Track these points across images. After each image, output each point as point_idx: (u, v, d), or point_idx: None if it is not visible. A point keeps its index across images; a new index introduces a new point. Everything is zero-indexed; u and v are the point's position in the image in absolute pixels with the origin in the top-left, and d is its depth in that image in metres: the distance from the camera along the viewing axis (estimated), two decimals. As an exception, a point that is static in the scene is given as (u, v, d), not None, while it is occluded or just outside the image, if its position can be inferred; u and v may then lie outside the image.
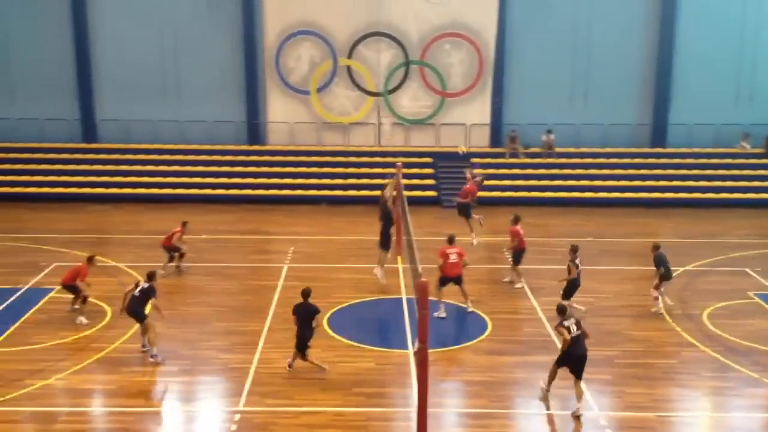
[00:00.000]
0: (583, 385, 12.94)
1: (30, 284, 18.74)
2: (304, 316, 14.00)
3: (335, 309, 17.35)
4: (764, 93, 30.25)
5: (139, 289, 14.88)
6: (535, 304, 17.84)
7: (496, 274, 20.15)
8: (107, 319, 16.62)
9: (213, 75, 30.42)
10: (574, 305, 16.57)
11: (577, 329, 12.86)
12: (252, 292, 18.74)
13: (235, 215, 26.27)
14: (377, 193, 27.31)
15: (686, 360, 15.04)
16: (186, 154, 29.99)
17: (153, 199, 27.63)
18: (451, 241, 17.24)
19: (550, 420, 12.94)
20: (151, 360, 14.56)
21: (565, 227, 25.13)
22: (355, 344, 15.49)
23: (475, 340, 15.82)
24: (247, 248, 22.77)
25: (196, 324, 16.65)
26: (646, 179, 29.06)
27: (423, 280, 11.20)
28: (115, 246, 22.63)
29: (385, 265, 19.26)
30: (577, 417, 12.71)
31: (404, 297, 18.14)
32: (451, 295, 17.37)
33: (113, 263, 20.01)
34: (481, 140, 30.81)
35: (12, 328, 16.11)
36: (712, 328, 16.59)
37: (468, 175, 22.92)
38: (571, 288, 16.88)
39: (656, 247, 17.54)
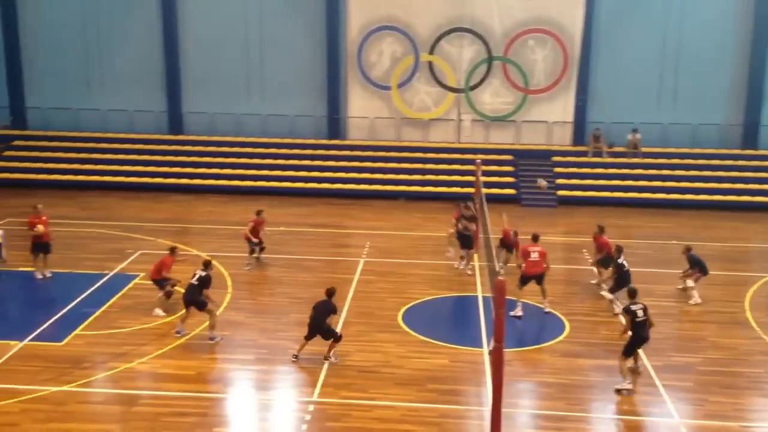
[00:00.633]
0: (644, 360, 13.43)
1: (116, 270, 19.38)
2: (322, 311, 14.25)
3: (410, 305, 17.34)
4: None
5: (196, 277, 15.22)
6: (606, 293, 17.47)
7: (575, 274, 19.80)
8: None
9: (295, 70, 30.84)
10: (616, 302, 16.78)
11: (644, 315, 13.31)
12: (328, 284, 18.54)
13: (313, 209, 26.60)
14: (455, 189, 27.55)
15: (774, 370, 14.46)
16: (267, 147, 30.52)
17: (235, 191, 28.21)
18: (535, 239, 17.12)
19: (630, 425, 12.64)
20: (210, 341, 15.04)
21: (648, 230, 24.44)
22: (429, 340, 15.44)
23: (552, 342, 15.60)
24: (325, 241, 23.02)
25: (274, 314, 16.93)
26: (736, 182, 27.98)
27: (500, 278, 11.03)
28: (197, 236, 23.21)
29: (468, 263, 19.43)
30: (618, 391, 13.25)
31: (480, 295, 18.02)
32: (529, 295, 17.15)
33: (195, 252, 20.47)
34: (563, 139, 30.27)
35: (98, 312, 16.62)
36: (802, 337, 15.88)
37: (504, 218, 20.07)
38: (619, 284, 16.69)
39: (688, 249, 18.08)
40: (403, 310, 16.99)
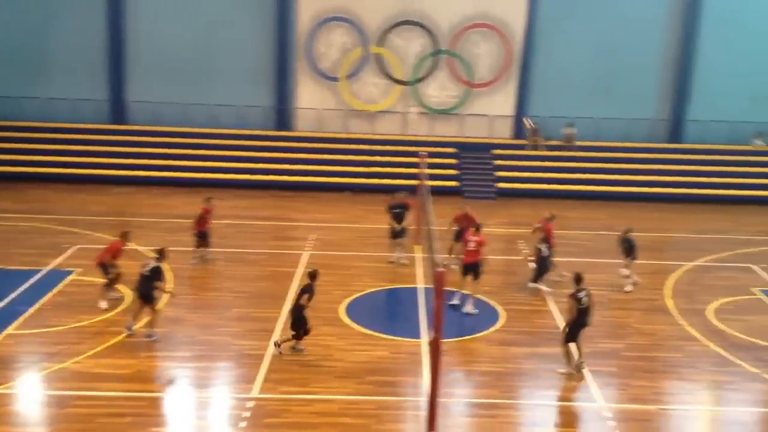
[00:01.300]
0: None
1: (51, 266, 18.82)
2: (298, 293, 14.36)
3: (352, 297, 17.66)
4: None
5: (148, 268, 14.79)
6: (530, 283, 18.20)
7: (512, 265, 20.42)
8: (126, 302, 16.65)
9: (244, 59, 30.76)
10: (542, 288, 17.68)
11: (588, 301, 13.74)
12: (271, 278, 19.01)
13: (259, 201, 26.63)
14: (401, 182, 27.92)
15: (690, 354, 15.31)
16: (214, 138, 30.42)
17: (179, 183, 28.05)
18: (477, 229, 17.41)
19: (558, 410, 13.27)
20: (148, 339, 14.79)
21: (581, 221, 25.30)
22: (370, 333, 15.76)
23: (487, 331, 16.10)
24: (270, 234, 23.15)
25: (214, 309, 16.93)
26: (663, 174, 29.14)
27: (440, 270, 11.31)
28: (140, 229, 22.68)
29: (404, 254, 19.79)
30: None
31: (421, 286, 18.44)
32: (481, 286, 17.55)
33: (135, 246, 19.99)
34: (503, 132, 30.98)
35: (30, 311, 16.11)
36: (716, 323, 16.84)
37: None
38: (540, 271, 17.62)
39: (627, 231, 18.90)
40: (345, 302, 17.27)
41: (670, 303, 17.99)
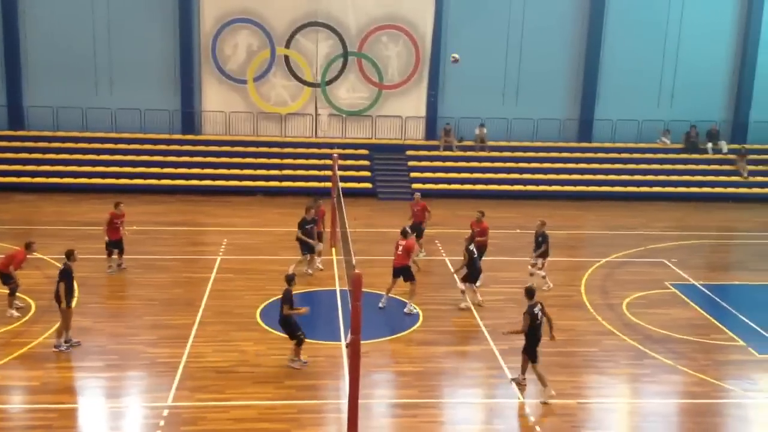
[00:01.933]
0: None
1: None
2: (281, 301, 14.06)
3: (268, 302, 17.37)
4: (684, 91, 31.53)
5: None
6: (460, 284, 18.14)
7: (429, 265, 20.41)
8: (31, 313, 16.25)
9: (146, 62, 29.92)
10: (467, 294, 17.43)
11: (542, 315, 13.47)
12: (184, 284, 18.59)
13: (167, 206, 26.01)
14: (312, 184, 27.71)
15: (606, 348, 15.65)
16: (117, 143, 29.48)
17: (82, 189, 27.14)
18: (403, 234, 17.35)
19: (477, 408, 13.33)
20: (54, 350, 14.37)
21: (495, 219, 25.48)
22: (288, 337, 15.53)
23: (407, 331, 16.09)
24: (180, 240, 22.60)
25: (125, 318, 16.47)
26: (573, 173, 29.94)
27: (357, 272, 11.30)
28: (44, 237, 21.76)
29: (320, 259, 19.51)
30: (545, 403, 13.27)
31: (338, 289, 18.30)
32: (394, 289, 17.56)
33: (39, 255, 19.32)
34: (416, 133, 31.16)
35: None
36: (630, 317, 17.31)
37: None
38: (472, 273, 17.40)
39: (543, 224, 18.86)
40: (261, 307, 16.99)
41: (585, 298, 18.38)
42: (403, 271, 17.07)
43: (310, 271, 19.33)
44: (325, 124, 30.97)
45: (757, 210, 28.42)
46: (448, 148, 30.41)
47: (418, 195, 21.53)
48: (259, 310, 16.85)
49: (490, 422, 12.94)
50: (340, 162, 21.95)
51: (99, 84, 29.84)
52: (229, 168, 28.86)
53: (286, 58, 30.35)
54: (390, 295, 17.26)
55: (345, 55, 30.43)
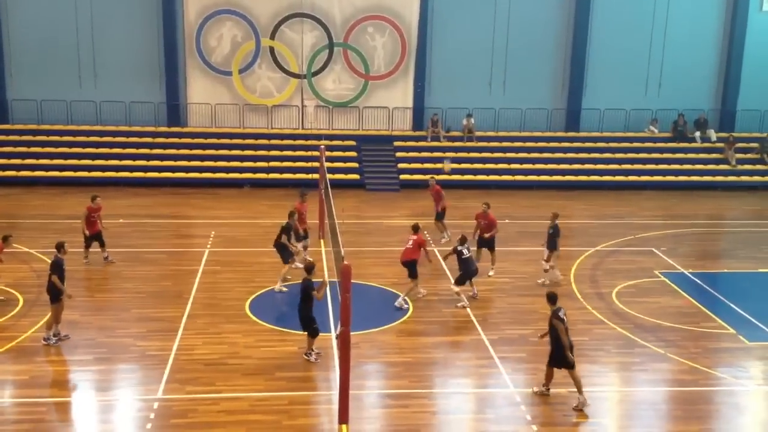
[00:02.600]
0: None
1: None
2: (300, 294, 13.94)
3: (257, 294, 17.31)
4: (671, 80, 31.56)
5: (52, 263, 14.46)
6: (453, 286, 18.13)
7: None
8: (19, 307, 16.13)
9: (130, 54, 29.69)
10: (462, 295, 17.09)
11: (566, 318, 13.10)
12: (172, 277, 18.49)
13: (154, 199, 25.84)
14: (300, 176, 27.58)
15: (596, 337, 15.68)
16: (102, 136, 29.26)
17: (68, 183, 26.92)
18: (414, 229, 17.33)
19: (470, 398, 13.32)
20: (43, 342, 14.29)
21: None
22: (277, 329, 15.52)
23: (396, 322, 16.08)
24: (167, 233, 22.46)
25: (114, 311, 16.35)
26: (561, 162, 29.94)
27: (346, 263, 11.27)
28: (29, 231, 21.80)
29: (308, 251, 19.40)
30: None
31: (327, 280, 18.18)
32: (377, 279, 17.63)
33: (26, 249, 19.40)
34: (403, 124, 31.07)
35: None
36: (620, 306, 17.35)
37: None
38: (464, 274, 17.12)
39: (555, 216, 18.63)
40: (250, 299, 16.94)
41: (574, 288, 18.38)
42: (408, 266, 17.07)
43: (299, 264, 19.20)
44: (311, 115, 30.80)
45: (746, 198, 28.57)
46: (436, 138, 30.34)
47: (432, 181, 22.26)
48: (248, 302, 16.78)
49: (481, 411, 12.94)
50: (328, 153, 21.83)
51: (83, 77, 29.59)
52: (215, 160, 28.70)
53: (272, 49, 30.14)
54: (388, 288, 17.28)
55: (330, 46, 30.27)
